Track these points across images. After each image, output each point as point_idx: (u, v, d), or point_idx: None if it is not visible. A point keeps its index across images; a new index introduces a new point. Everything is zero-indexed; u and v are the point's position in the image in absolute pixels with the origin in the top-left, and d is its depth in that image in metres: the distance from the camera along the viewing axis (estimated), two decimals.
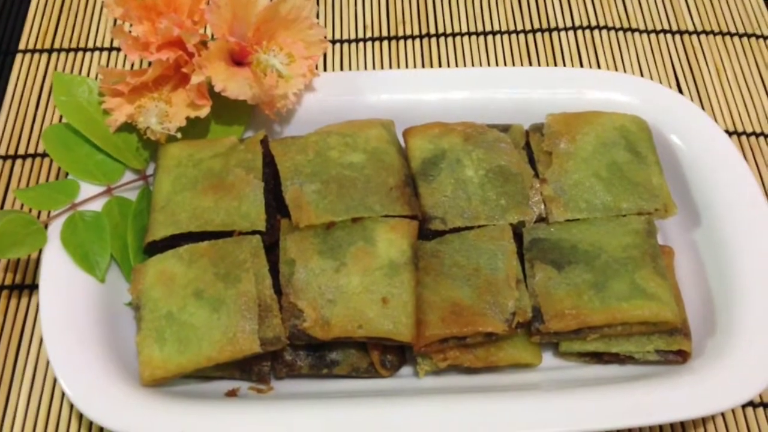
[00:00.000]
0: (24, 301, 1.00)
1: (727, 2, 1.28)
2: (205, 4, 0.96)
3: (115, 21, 1.24)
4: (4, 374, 0.96)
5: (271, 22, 0.98)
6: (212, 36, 1.08)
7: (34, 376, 0.95)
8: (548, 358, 0.92)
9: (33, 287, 1.01)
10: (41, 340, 0.97)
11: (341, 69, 1.22)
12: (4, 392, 0.94)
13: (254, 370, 0.87)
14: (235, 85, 0.96)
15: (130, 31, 0.96)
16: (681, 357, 0.89)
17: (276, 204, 0.94)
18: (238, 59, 1.00)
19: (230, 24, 0.96)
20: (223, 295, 0.85)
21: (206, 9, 0.94)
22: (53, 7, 1.26)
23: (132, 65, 1.17)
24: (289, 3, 0.98)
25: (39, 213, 1.03)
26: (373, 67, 1.22)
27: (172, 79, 0.98)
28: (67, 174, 0.97)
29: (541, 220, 0.95)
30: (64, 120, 0.99)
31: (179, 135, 0.95)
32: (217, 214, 0.90)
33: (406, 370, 0.91)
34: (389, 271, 0.87)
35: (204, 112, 0.97)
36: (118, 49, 1.22)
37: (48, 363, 0.96)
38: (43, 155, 1.11)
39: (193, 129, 0.99)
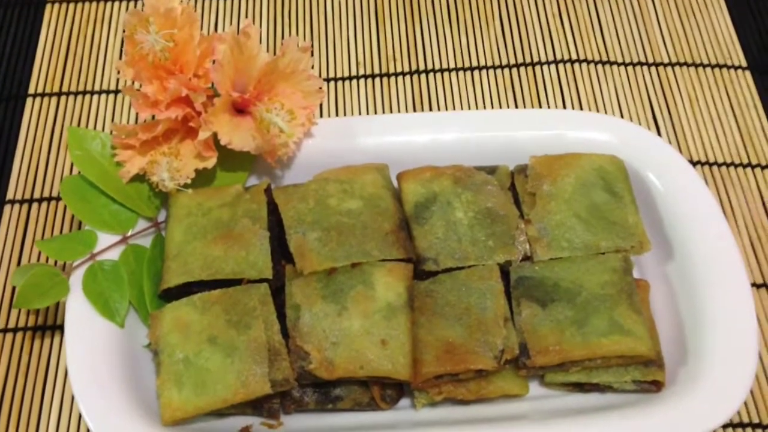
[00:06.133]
0: (47, 341, 1.08)
1: (701, 34, 1.35)
2: (210, 62, 1.03)
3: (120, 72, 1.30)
4: (32, 410, 1.03)
5: (271, 75, 1.04)
6: (213, 86, 1.14)
7: (60, 412, 1.03)
8: (534, 387, 1.00)
9: (54, 327, 1.08)
10: (65, 379, 1.05)
11: (336, 105, 1.29)
12: (33, 428, 1.02)
13: (265, 407, 0.95)
14: (240, 137, 1.03)
15: (139, 90, 1.02)
16: (655, 386, 0.96)
17: (281, 249, 1.01)
18: (239, 108, 1.06)
19: (233, 80, 1.03)
20: (235, 341, 0.93)
21: (211, 68, 1.01)
22: (59, 52, 1.32)
23: (137, 115, 1.23)
24: (287, 57, 1.04)
25: (56, 261, 1.10)
26: (366, 103, 1.28)
27: (179, 131, 1.05)
28: (81, 221, 1.03)
29: (527, 258, 1.02)
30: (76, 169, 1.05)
31: (190, 191, 1.02)
32: (227, 263, 0.97)
33: (404, 402, 0.99)
34: (387, 313, 0.94)
35: (211, 163, 1.03)
36: None
37: (72, 401, 1.03)
38: (58, 198, 1.18)
39: (200, 176, 1.05)
